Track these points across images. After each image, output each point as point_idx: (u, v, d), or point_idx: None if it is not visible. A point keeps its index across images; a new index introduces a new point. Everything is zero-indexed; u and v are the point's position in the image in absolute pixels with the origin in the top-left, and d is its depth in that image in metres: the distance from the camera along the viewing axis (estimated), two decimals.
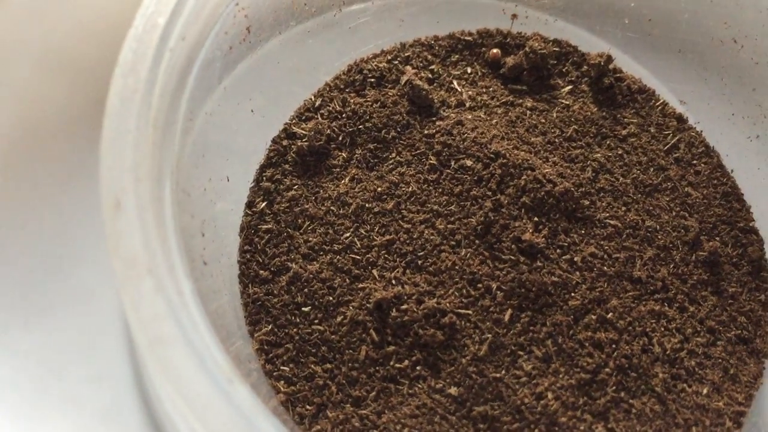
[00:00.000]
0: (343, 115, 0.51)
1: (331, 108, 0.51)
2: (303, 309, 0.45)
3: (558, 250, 0.47)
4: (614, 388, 0.44)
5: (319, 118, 0.51)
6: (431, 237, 0.47)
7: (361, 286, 0.46)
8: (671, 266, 0.48)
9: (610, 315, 0.46)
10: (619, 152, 0.52)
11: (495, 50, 0.55)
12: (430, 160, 0.49)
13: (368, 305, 0.45)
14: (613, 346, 0.45)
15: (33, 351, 0.49)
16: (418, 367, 0.44)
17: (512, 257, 0.46)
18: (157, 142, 0.35)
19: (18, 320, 0.49)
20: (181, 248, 0.35)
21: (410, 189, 0.48)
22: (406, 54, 0.54)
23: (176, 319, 0.33)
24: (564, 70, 0.55)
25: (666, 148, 0.53)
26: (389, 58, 0.54)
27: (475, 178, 0.48)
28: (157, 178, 0.35)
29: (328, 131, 0.50)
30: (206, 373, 0.32)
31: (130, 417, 0.48)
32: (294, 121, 0.51)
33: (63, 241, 0.51)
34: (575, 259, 0.47)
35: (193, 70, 0.40)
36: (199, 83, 0.41)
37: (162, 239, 0.34)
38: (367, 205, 0.48)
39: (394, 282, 0.45)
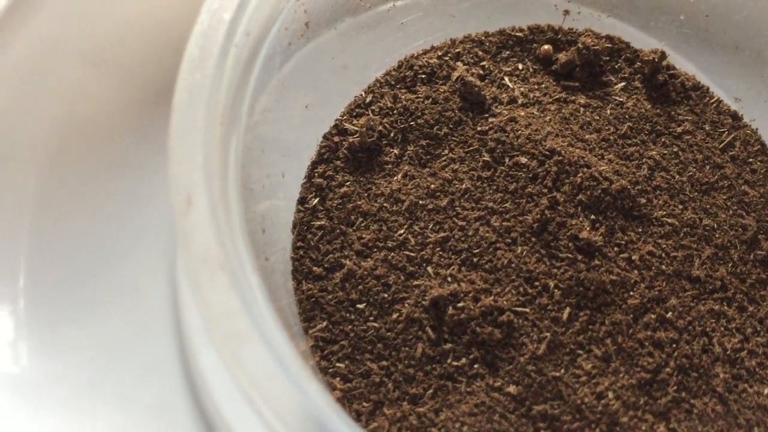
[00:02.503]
0: (395, 112, 0.50)
1: (382, 104, 0.51)
2: (358, 306, 0.45)
3: (615, 249, 0.46)
4: (675, 388, 0.44)
5: (371, 114, 0.50)
6: (486, 234, 0.46)
7: (416, 283, 0.45)
8: (729, 265, 0.48)
9: (669, 314, 0.45)
10: (675, 150, 0.51)
11: (546, 46, 0.54)
12: (484, 157, 0.49)
13: (424, 302, 0.44)
14: (674, 345, 0.45)
15: (81, 346, 0.49)
16: (475, 365, 0.43)
17: (569, 255, 0.45)
18: (223, 138, 0.35)
19: (66, 316, 0.49)
20: (248, 244, 0.35)
21: (464, 186, 0.48)
22: (457, 50, 0.54)
23: (251, 316, 0.32)
24: (617, 66, 0.54)
25: (721, 146, 0.52)
26: (440, 54, 0.53)
27: (530, 175, 0.48)
28: (224, 174, 0.35)
29: (380, 127, 0.49)
30: (283, 370, 0.32)
31: (180, 411, 0.48)
32: (345, 117, 0.51)
33: (110, 236, 0.51)
34: (633, 257, 0.46)
35: (256, 66, 0.40)
36: (259, 79, 0.41)
37: (231, 235, 0.33)
38: (420, 201, 0.47)
39: (449, 279, 0.45)
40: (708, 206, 0.49)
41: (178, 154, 0.34)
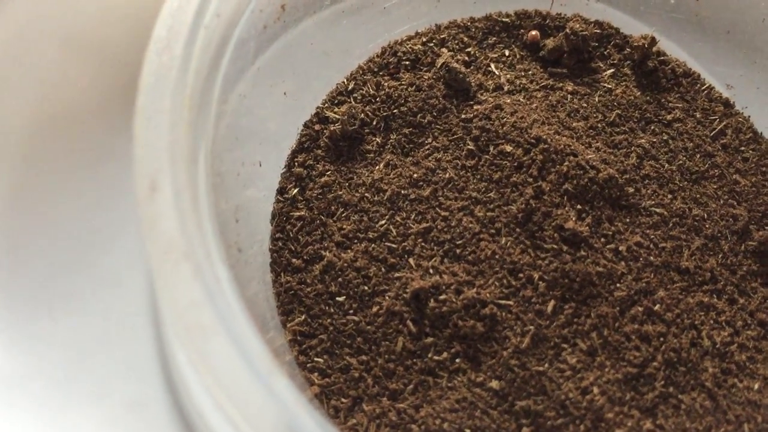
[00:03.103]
0: (377, 99, 0.49)
1: (364, 92, 0.50)
2: (337, 299, 0.44)
3: (602, 239, 0.45)
4: (662, 382, 0.42)
5: (353, 102, 0.49)
6: (470, 225, 0.45)
7: (397, 275, 0.44)
8: (720, 256, 0.47)
9: (657, 307, 0.44)
10: (664, 138, 0.50)
11: (534, 32, 0.53)
12: (468, 145, 0.47)
13: (405, 295, 0.43)
14: (661, 339, 0.43)
15: (59, 340, 0.48)
16: (457, 360, 0.42)
17: (555, 246, 0.44)
18: (191, 122, 0.34)
19: (44, 309, 0.48)
20: (216, 234, 0.33)
21: (447, 175, 0.46)
22: (442, 36, 0.52)
23: (214, 307, 0.31)
24: (606, 52, 0.53)
25: (712, 134, 0.51)
26: (424, 40, 0.52)
27: (515, 164, 0.46)
28: (192, 160, 0.33)
29: (362, 115, 0.48)
30: (246, 363, 0.31)
31: (157, 407, 0.47)
32: (326, 105, 0.50)
33: (88, 227, 0.50)
34: (620, 248, 0.45)
35: (228, 50, 0.39)
36: (232, 63, 0.39)
37: (198, 224, 0.32)
38: (402, 191, 0.46)
39: (431, 271, 0.44)
40: (698, 196, 0.48)
41: (143, 137, 0.33)
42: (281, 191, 0.47)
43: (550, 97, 0.50)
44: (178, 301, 0.31)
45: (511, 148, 0.47)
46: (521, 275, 0.44)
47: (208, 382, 0.31)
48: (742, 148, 0.51)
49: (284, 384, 0.31)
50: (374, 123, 0.48)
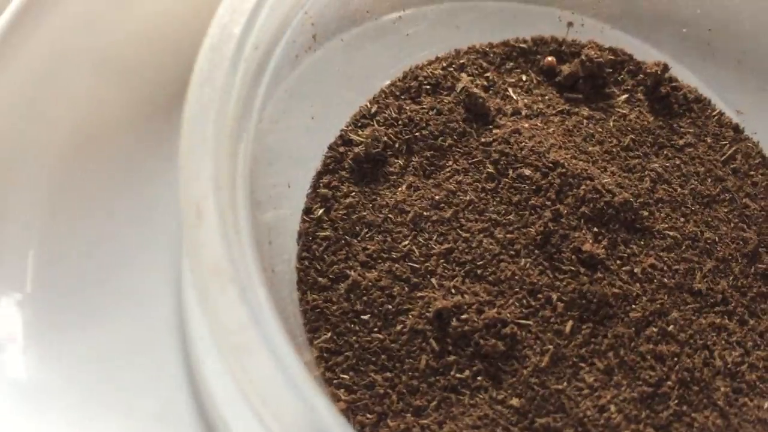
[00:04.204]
0: (399, 122, 0.51)
1: (386, 115, 0.51)
2: (362, 317, 0.45)
3: (618, 261, 0.47)
4: (676, 401, 0.44)
5: (376, 125, 0.51)
6: (490, 246, 0.46)
7: (420, 294, 0.45)
8: (731, 279, 0.48)
9: (671, 327, 0.46)
10: (677, 162, 0.51)
11: (550, 58, 0.54)
12: (488, 168, 0.49)
13: (428, 314, 0.45)
14: (675, 359, 0.45)
15: (87, 353, 0.49)
16: (479, 378, 0.44)
17: (572, 268, 0.46)
18: (231, 150, 0.35)
19: (72, 322, 0.49)
20: (255, 257, 0.35)
21: (468, 197, 0.48)
22: (461, 61, 0.54)
23: (258, 329, 0.33)
24: (620, 78, 0.54)
25: (723, 158, 0.53)
26: (444, 65, 0.53)
27: (534, 187, 0.48)
28: (233, 186, 0.35)
29: (385, 138, 0.50)
30: (289, 382, 0.33)
31: (184, 418, 0.48)
32: (350, 127, 0.51)
33: (118, 244, 0.52)
34: (635, 270, 0.47)
35: (264, 80, 0.41)
36: (267, 91, 0.41)
37: (240, 248, 0.34)
38: (424, 213, 0.48)
39: (453, 291, 0.45)
40: (709, 219, 0.50)
41: (189, 167, 0.35)
42: (307, 211, 0.49)
43: (566, 122, 0.52)
44: (223, 322, 0.33)
45: (529, 172, 0.48)
46: (540, 296, 0.45)
47: (252, 399, 0.32)
48: (752, 173, 0.53)
49: (321, 399, 0.33)
50: (397, 146, 0.50)
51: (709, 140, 0.53)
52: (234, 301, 0.33)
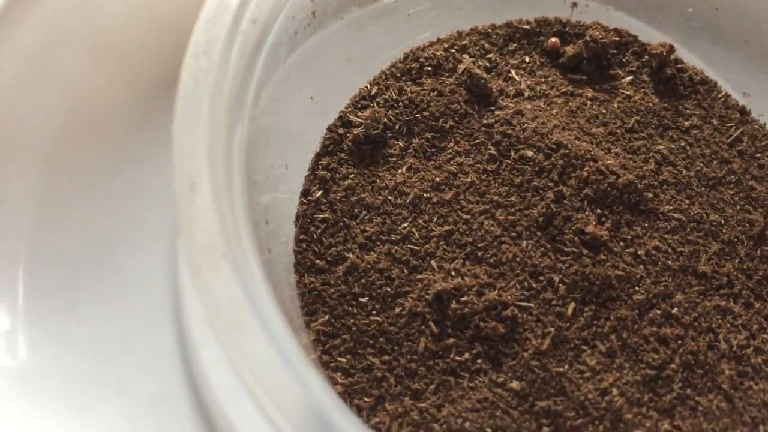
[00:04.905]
0: (400, 104, 0.50)
1: (387, 96, 0.50)
2: (360, 299, 0.45)
3: (621, 243, 0.46)
4: (680, 384, 0.43)
5: (376, 107, 0.50)
6: (491, 228, 0.46)
7: (419, 277, 0.45)
8: (736, 261, 0.47)
9: (675, 310, 0.45)
10: (682, 144, 0.51)
11: (554, 39, 0.54)
12: (490, 150, 0.48)
13: (427, 296, 0.44)
14: (679, 341, 0.44)
15: (82, 339, 0.48)
16: (478, 360, 0.43)
17: (575, 250, 0.45)
18: (228, 125, 0.35)
19: (67, 308, 0.49)
20: (251, 235, 0.34)
21: (469, 179, 0.47)
22: (463, 42, 0.53)
23: (253, 306, 0.32)
24: (624, 59, 0.54)
25: (729, 140, 0.52)
26: (446, 46, 0.53)
27: (536, 168, 0.47)
28: (228, 162, 0.34)
29: (385, 120, 0.49)
30: (281, 358, 0.32)
31: (180, 404, 0.47)
32: (350, 109, 0.50)
33: (111, 228, 0.51)
34: (639, 252, 0.46)
35: (261, 55, 0.40)
36: (264, 68, 0.40)
37: (235, 224, 0.33)
38: (425, 195, 0.47)
39: (453, 273, 0.45)
40: (715, 201, 0.49)
41: (183, 140, 0.34)
42: (305, 194, 0.48)
43: (569, 103, 0.51)
44: (217, 299, 0.32)
45: (532, 153, 0.47)
46: (542, 278, 0.44)
47: (244, 376, 0.31)
48: (758, 155, 0.52)
49: (318, 380, 0.32)
50: (397, 127, 0.49)
51: (715, 122, 0.52)
52: (227, 277, 0.32)
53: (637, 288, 0.45)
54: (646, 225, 0.47)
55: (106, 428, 0.46)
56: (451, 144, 0.49)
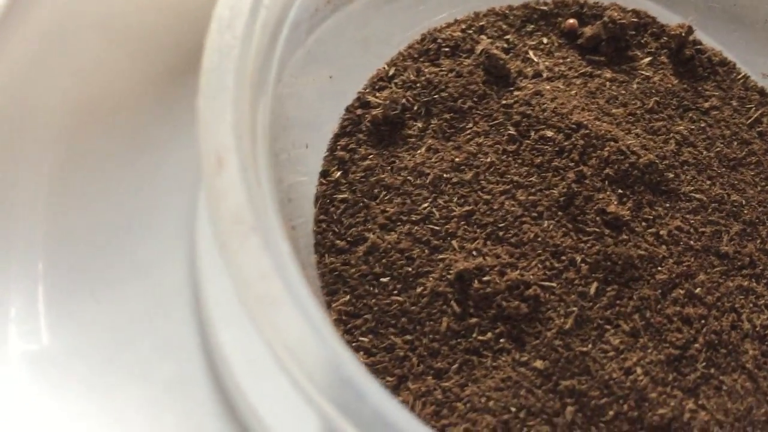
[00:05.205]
0: (418, 85, 0.50)
1: (405, 77, 0.50)
2: (381, 280, 0.44)
3: (643, 223, 0.46)
4: (704, 364, 0.43)
5: (394, 88, 0.50)
6: (512, 208, 0.45)
7: (440, 257, 0.45)
8: (758, 242, 0.47)
9: (698, 290, 0.45)
10: (702, 125, 0.50)
11: (571, 20, 0.53)
12: (509, 130, 0.48)
13: (449, 276, 0.44)
14: (702, 321, 0.44)
15: (100, 321, 0.48)
16: (501, 340, 0.43)
17: (597, 229, 0.45)
18: (252, 99, 0.34)
19: (85, 291, 0.49)
20: (277, 211, 0.34)
21: (489, 159, 0.47)
22: (481, 23, 0.53)
23: (283, 279, 0.32)
24: (643, 41, 0.53)
25: (749, 122, 0.51)
26: (463, 27, 0.52)
27: (557, 149, 0.47)
28: (254, 135, 0.34)
29: (403, 101, 0.49)
30: (316, 333, 0.32)
31: (197, 387, 0.47)
32: (368, 90, 0.50)
33: (129, 212, 0.51)
34: (661, 232, 0.45)
35: (283, 31, 0.39)
36: (287, 45, 0.40)
37: (262, 199, 0.33)
38: (444, 175, 0.47)
39: (474, 253, 0.44)
40: (736, 182, 0.49)
41: (208, 114, 0.33)
42: (324, 174, 0.48)
43: (588, 84, 0.50)
44: (247, 272, 0.32)
45: (552, 133, 0.47)
46: (564, 258, 0.44)
47: (277, 349, 0.31)
48: None
49: (347, 352, 0.32)
50: (415, 108, 0.49)
51: (734, 103, 0.52)
52: (257, 250, 0.32)
53: (659, 268, 0.45)
54: (668, 205, 0.47)
55: (126, 410, 0.45)
56: (470, 125, 0.48)
